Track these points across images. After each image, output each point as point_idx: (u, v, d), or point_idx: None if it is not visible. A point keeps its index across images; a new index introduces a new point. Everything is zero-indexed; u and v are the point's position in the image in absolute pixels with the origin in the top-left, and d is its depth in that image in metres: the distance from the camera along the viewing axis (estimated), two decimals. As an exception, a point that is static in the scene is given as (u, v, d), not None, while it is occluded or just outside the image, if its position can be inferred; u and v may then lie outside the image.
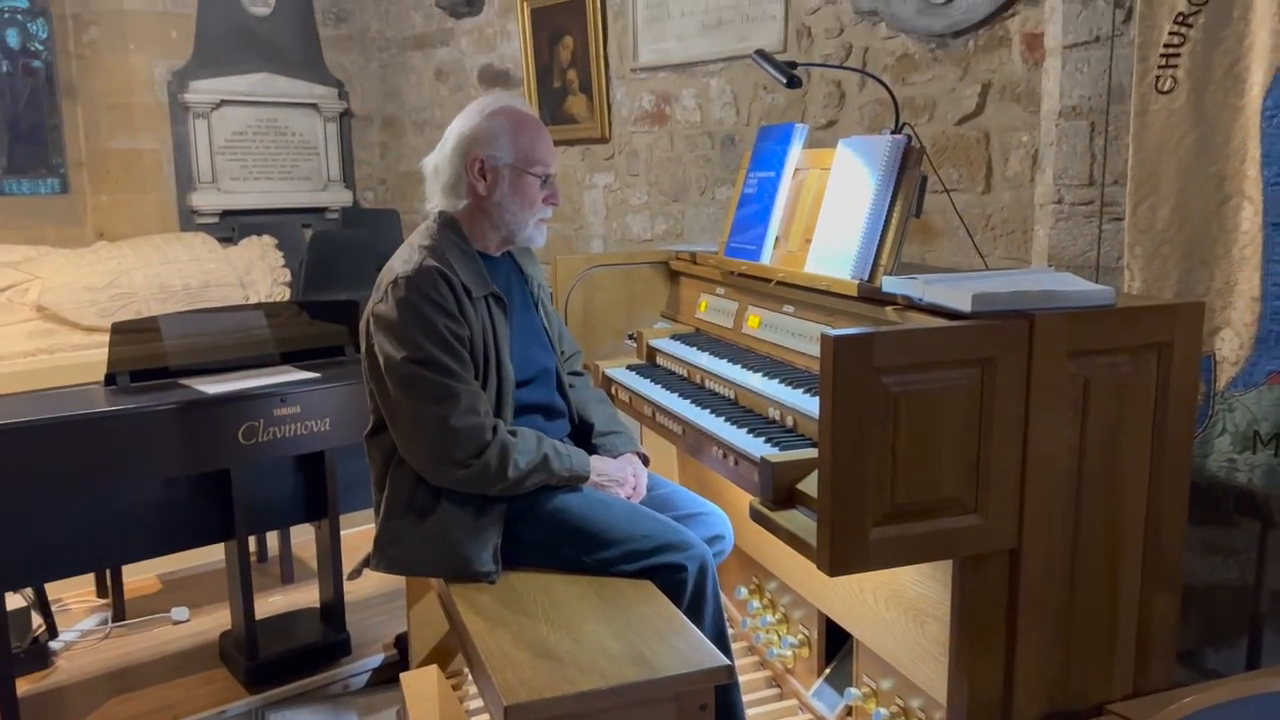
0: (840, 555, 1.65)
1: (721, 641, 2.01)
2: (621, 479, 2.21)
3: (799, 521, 1.76)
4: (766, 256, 2.51)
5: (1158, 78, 2.26)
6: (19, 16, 5.90)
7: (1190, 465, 1.89)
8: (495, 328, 2.12)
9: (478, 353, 2.08)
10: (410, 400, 2.02)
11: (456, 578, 2.04)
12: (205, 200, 6.10)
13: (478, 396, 2.05)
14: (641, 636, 1.80)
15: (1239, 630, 2.42)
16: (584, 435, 2.35)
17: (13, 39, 5.89)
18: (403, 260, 2.11)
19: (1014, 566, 1.77)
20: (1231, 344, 2.24)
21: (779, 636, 2.56)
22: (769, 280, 2.45)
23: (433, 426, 2.01)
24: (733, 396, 2.32)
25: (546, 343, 2.31)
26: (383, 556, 2.14)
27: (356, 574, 2.31)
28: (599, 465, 2.20)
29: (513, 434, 2.07)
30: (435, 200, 2.21)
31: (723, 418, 2.18)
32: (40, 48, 5.97)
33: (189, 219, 6.06)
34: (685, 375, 2.56)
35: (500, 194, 2.15)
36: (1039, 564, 1.77)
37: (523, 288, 2.31)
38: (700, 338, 2.72)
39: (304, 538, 3.47)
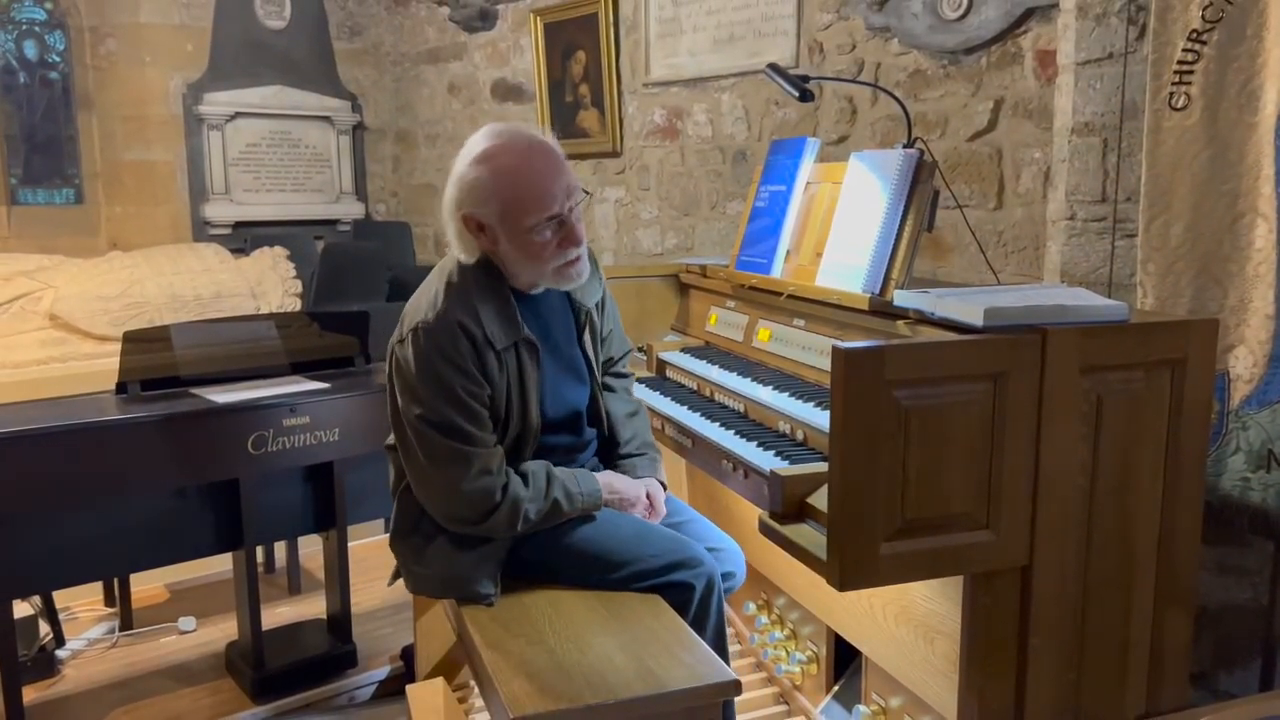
0: (850, 570, 1.63)
1: (720, 656, 1.99)
2: (634, 499, 2.14)
3: (808, 536, 1.75)
4: (777, 270, 2.51)
5: (1171, 94, 2.26)
6: (37, 28, 5.97)
7: (1204, 484, 1.87)
8: (523, 375, 1.99)
9: (499, 406, 1.97)
10: (423, 454, 1.95)
11: (455, 599, 2.03)
12: (218, 211, 6.14)
13: (492, 456, 1.96)
14: (649, 650, 1.79)
15: (1252, 651, 2.39)
16: (610, 447, 2.26)
17: (30, 51, 5.95)
18: (428, 300, 1.96)
19: (1025, 584, 1.75)
20: (1245, 362, 2.23)
21: (787, 652, 2.54)
22: (780, 294, 2.45)
23: (442, 487, 1.96)
24: (742, 410, 2.31)
25: (585, 374, 2.16)
26: (401, 575, 2.16)
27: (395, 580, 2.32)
28: (613, 483, 2.12)
29: (524, 478, 1.99)
30: (453, 249, 2.02)
31: (732, 431, 2.17)
32: (57, 59, 6.03)
33: (202, 230, 6.11)
34: (695, 388, 2.55)
35: (504, 248, 1.96)
36: (1051, 581, 1.76)
37: (567, 318, 2.14)
38: (710, 351, 2.71)
39: (312, 548, 3.47)
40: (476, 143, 1.96)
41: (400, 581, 2.19)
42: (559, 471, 2.04)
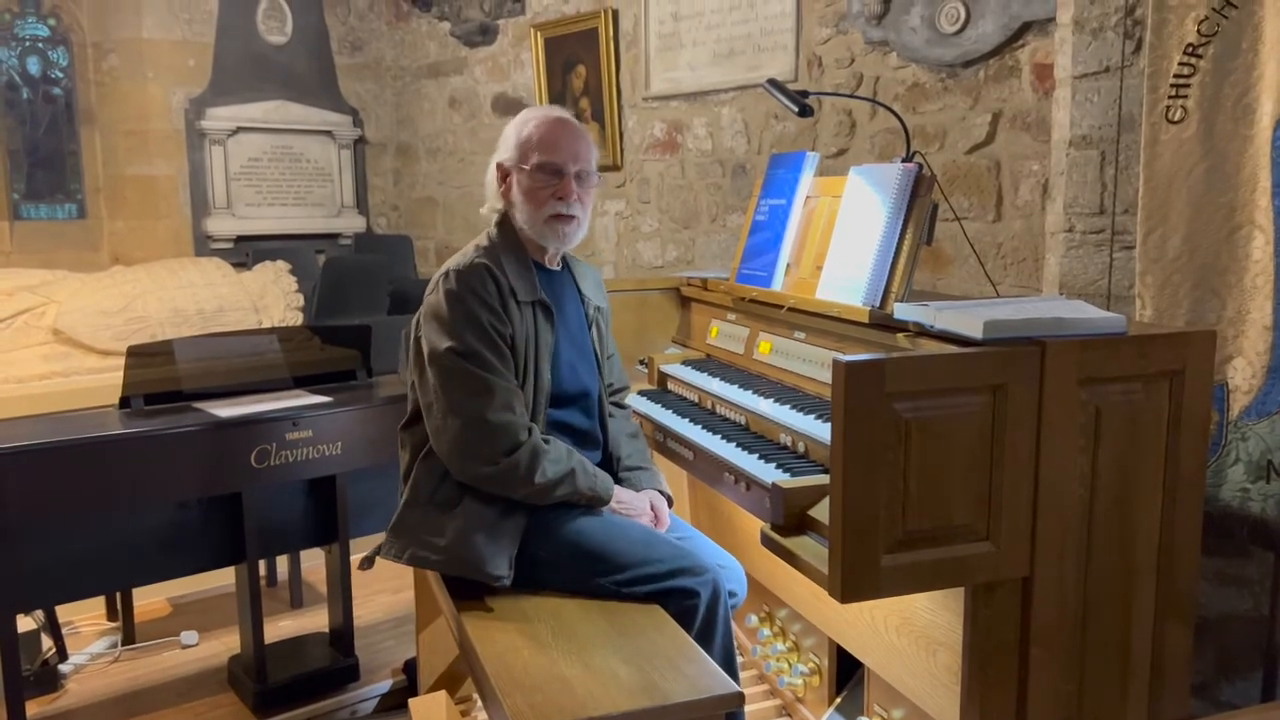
0: (851, 582, 1.64)
1: (730, 669, 2.00)
2: (641, 510, 2.20)
3: (810, 548, 1.76)
4: (778, 283, 2.52)
5: (1168, 108, 2.28)
6: (40, 44, 5.99)
7: (1203, 495, 1.88)
8: (538, 334, 2.14)
9: (518, 355, 2.10)
10: (448, 391, 2.04)
11: (466, 576, 2.03)
12: (220, 226, 6.15)
13: (515, 394, 2.07)
14: (652, 663, 1.80)
15: (1253, 662, 2.40)
16: (612, 467, 2.33)
17: (33, 66, 5.97)
18: (459, 256, 2.17)
19: (1026, 595, 1.76)
20: (1244, 373, 2.24)
21: (789, 665, 2.55)
22: (780, 306, 2.46)
23: (467, 419, 2.02)
24: (744, 422, 2.32)
25: (594, 364, 2.31)
26: (394, 545, 2.12)
27: (369, 562, 2.30)
28: (620, 494, 2.19)
29: (545, 441, 2.08)
30: (487, 210, 2.28)
31: (734, 443, 2.18)
32: (60, 75, 6.05)
33: (204, 244, 6.12)
34: (696, 401, 2.56)
35: (514, 194, 2.19)
36: (1051, 593, 1.76)
37: (577, 304, 2.31)
38: (711, 363, 2.72)
39: (313, 562, 3.47)
40: (521, 113, 2.26)
41: (397, 560, 2.12)
42: (578, 453, 2.14)
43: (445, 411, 2.05)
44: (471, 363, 2.04)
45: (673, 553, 2.07)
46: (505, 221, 2.23)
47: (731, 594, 2.20)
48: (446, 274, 2.12)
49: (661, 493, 2.30)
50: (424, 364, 2.10)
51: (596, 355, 2.32)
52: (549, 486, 2.05)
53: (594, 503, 2.13)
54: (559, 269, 2.28)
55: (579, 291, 2.33)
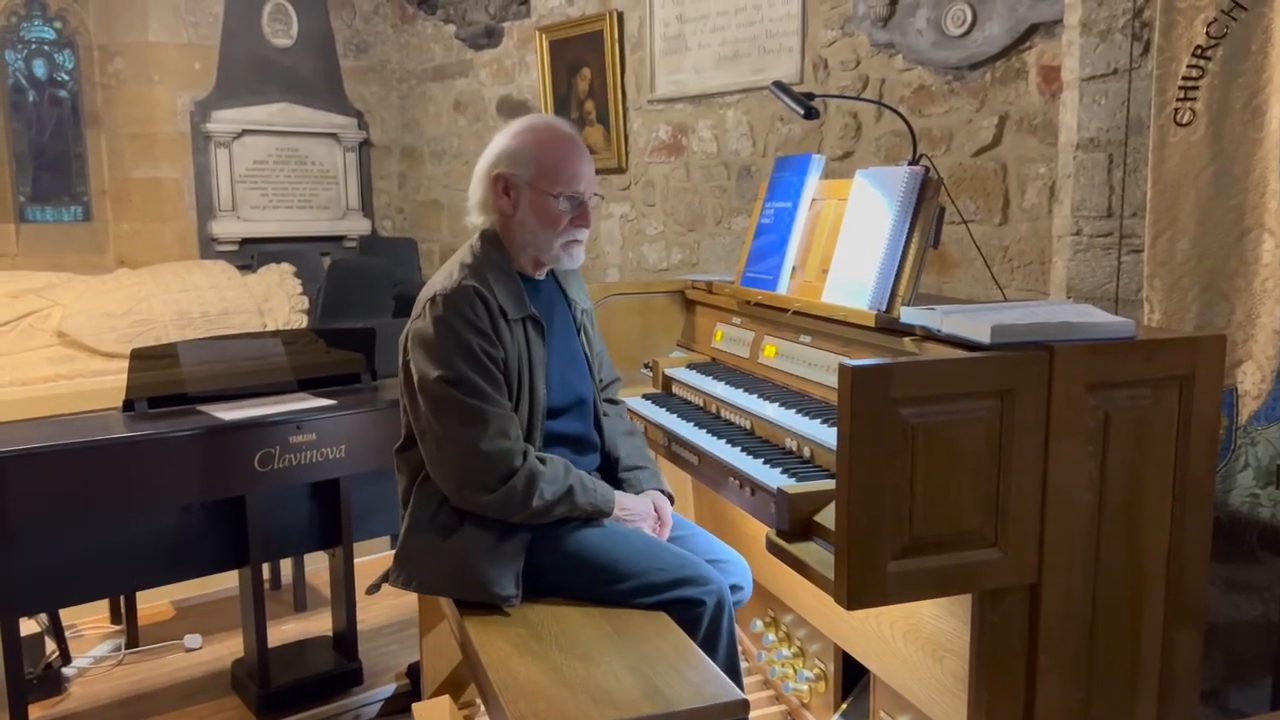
0: (858, 588, 1.63)
1: (734, 677, 1.99)
2: (643, 515, 2.18)
3: (816, 554, 1.75)
4: (783, 286, 2.51)
5: (1176, 110, 2.26)
6: (46, 47, 6.01)
7: (1213, 500, 1.86)
8: (530, 351, 2.10)
9: (511, 375, 2.06)
10: (440, 420, 2.01)
11: (474, 599, 2.02)
12: (225, 228, 6.16)
13: (509, 420, 2.03)
14: (656, 669, 1.79)
15: (1263, 669, 2.38)
16: (611, 468, 2.32)
17: (40, 69, 5.99)
18: (444, 277, 2.11)
19: (1034, 602, 1.74)
20: (1253, 377, 2.22)
21: (795, 670, 2.53)
22: (786, 310, 2.45)
23: (461, 449, 2.00)
24: (749, 427, 2.31)
25: (586, 370, 2.28)
26: (401, 572, 2.13)
27: (375, 588, 2.31)
28: (622, 500, 2.17)
29: (541, 461, 2.05)
30: (471, 217, 2.21)
31: (739, 448, 2.17)
32: (66, 78, 6.07)
33: (209, 247, 6.14)
34: (701, 405, 2.55)
35: (523, 213, 2.13)
36: (1059, 599, 1.75)
37: (565, 311, 2.28)
38: (716, 367, 2.71)
39: (317, 565, 3.46)
40: (520, 122, 2.20)
41: (407, 588, 2.13)
42: (575, 470, 2.11)
43: (439, 441, 2.02)
44: (462, 391, 2.00)
45: (676, 561, 2.05)
46: (490, 234, 2.17)
47: (738, 587, 2.19)
48: (434, 299, 2.06)
49: (663, 492, 2.29)
50: (414, 391, 2.06)
51: (588, 359, 2.29)
52: (547, 508, 2.03)
53: (595, 516, 2.11)
54: (543, 278, 2.24)
55: (566, 296, 2.29)
